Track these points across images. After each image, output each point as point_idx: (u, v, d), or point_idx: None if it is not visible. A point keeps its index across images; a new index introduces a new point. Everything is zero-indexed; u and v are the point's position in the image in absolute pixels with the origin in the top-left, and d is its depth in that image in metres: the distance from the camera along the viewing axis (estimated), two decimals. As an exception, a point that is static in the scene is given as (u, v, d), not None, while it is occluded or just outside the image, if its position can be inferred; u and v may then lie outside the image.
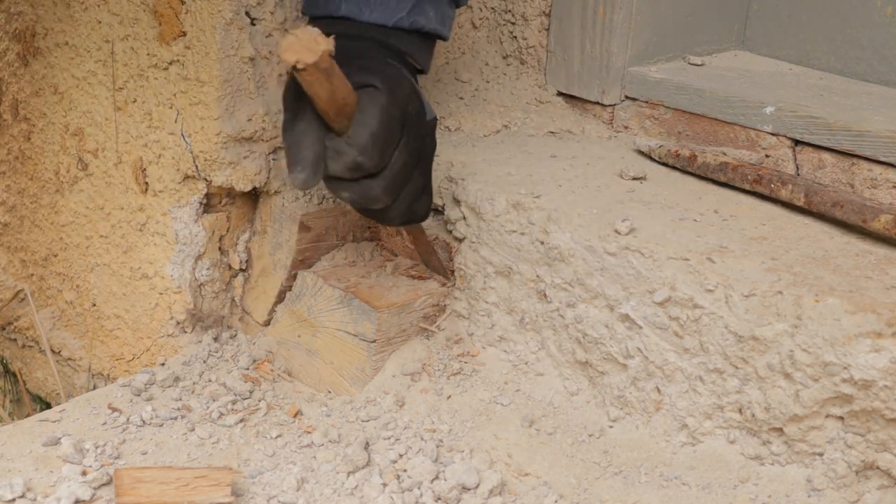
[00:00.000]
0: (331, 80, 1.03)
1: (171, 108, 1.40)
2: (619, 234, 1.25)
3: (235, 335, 1.50)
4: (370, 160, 1.08)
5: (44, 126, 1.55)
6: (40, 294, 1.66)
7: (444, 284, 1.42)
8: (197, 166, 1.41)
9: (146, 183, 1.46)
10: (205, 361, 1.44)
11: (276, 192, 1.47)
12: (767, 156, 1.53)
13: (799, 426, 1.14)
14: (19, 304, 1.68)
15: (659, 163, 1.51)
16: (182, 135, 1.40)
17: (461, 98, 1.68)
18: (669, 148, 1.49)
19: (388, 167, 1.11)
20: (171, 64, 1.38)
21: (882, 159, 1.42)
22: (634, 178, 1.43)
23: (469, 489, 1.18)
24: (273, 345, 1.47)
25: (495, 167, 1.44)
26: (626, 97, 1.68)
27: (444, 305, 1.43)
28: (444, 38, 1.30)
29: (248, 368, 1.43)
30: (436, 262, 1.41)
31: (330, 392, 1.40)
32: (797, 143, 1.51)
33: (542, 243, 1.31)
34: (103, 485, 1.16)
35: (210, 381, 1.39)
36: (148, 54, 1.40)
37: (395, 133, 1.10)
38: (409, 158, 1.13)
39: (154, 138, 1.43)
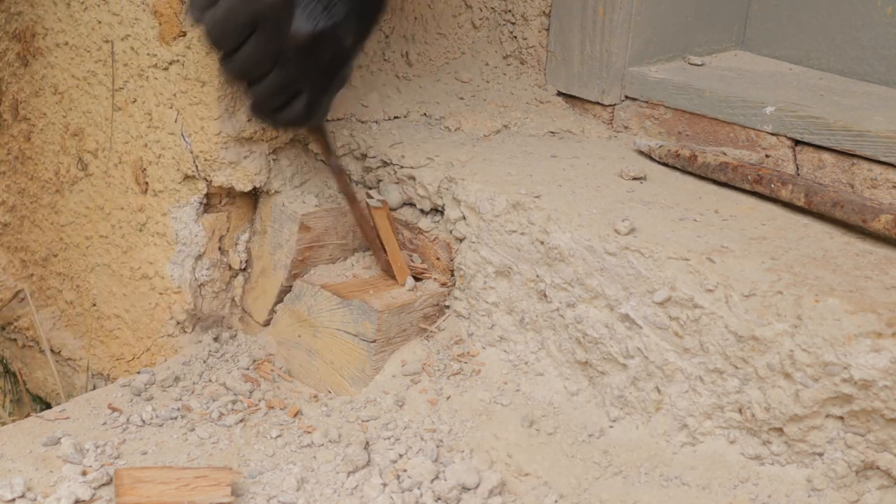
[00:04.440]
0: None
1: (171, 108, 1.40)
2: (619, 234, 1.25)
3: (235, 335, 1.50)
4: (213, 39, 1.22)
5: (44, 126, 1.55)
6: (40, 294, 1.66)
7: (444, 284, 1.42)
8: (197, 166, 1.41)
9: (146, 183, 1.46)
10: (205, 361, 1.44)
11: (276, 192, 1.47)
12: (767, 156, 1.53)
13: (799, 426, 1.14)
14: (19, 304, 1.68)
15: (659, 163, 1.51)
16: (182, 135, 1.40)
17: (461, 98, 1.68)
18: (669, 148, 1.49)
19: (238, 53, 1.22)
20: (171, 64, 1.38)
21: (882, 159, 1.42)
22: (634, 178, 1.43)
23: (469, 489, 1.18)
24: (273, 345, 1.47)
25: (495, 167, 1.44)
26: (626, 97, 1.68)
27: (444, 305, 1.43)
28: None
29: (248, 368, 1.43)
30: (386, 260, 1.41)
31: (330, 392, 1.40)
32: (797, 143, 1.51)
33: (542, 243, 1.31)
34: (103, 485, 1.16)
35: (210, 381, 1.39)
36: (148, 54, 1.40)
37: (239, 27, 1.20)
38: (261, 55, 1.21)
39: (154, 138, 1.43)
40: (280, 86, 1.25)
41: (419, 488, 1.18)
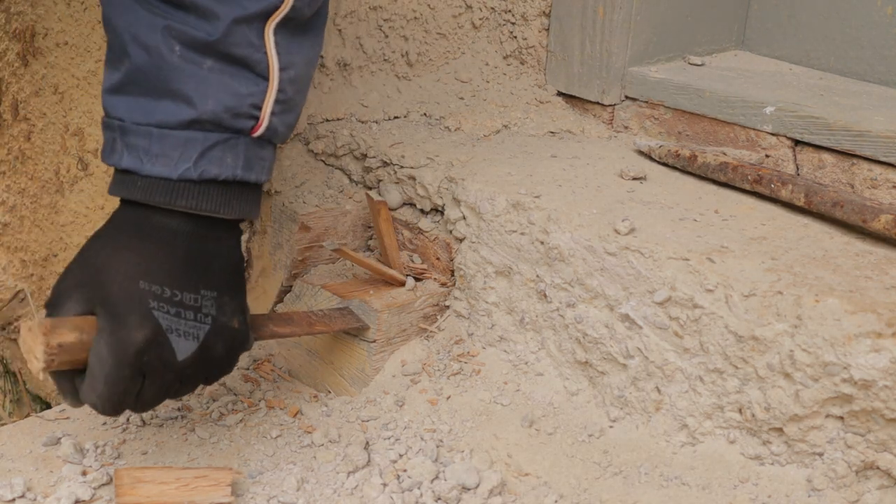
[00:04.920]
0: (62, 358, 1.04)
1: (171, 108, 1.40)
2: (619, 234, 1.25)
3: (235, 335, 1.50)
4: (105, 412, 1.09)
5: (44, 126, 1.55)
6: (40, 294, 1.66)
7: (444, 284, 1.42)
8: (197, 166, 1.40)
9: (146, 183, 1.45)
10: (205, 361, 1.44)
11: (276, 192, 1.47)
12: (767, 156, 1.53)
13: (799, 426, 1.14)
14: (19, 304, 1.68)
15: (659, 163, 1.51)
16: (182, 135, 1.40)
17: (461, 98, 1.68)
18: (669, 148, 1.49)
19: (134, 404, 1.10)
20: (171, 64, 1.38)
21: (882, 159, 1.42)
22: (634, 178, 1.43)
23: (469, 489, 1.18)
24: (273, 345, 1.47)
25: (495, 167, 1.44)
26: (626, 97, 1.68)
27: (444, 305, 1.43)
28: (259, 183, 1.14)
29: (248, 368, 1.43)
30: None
31: (330, 392, 1.40)
32: (797, 143, 1.51)
33: (542, 243, 1.31)
34: (103, 485, 1.16)
35: (210, 381, 1.39)
36: (148, 54, 1.39)
37: (130, 387, 1.07)
38: (159, 392, 1.10)
39: (154, 138, 1.43)
40: (184, 391, 1.14)
41: (419, 488, 1.18)
